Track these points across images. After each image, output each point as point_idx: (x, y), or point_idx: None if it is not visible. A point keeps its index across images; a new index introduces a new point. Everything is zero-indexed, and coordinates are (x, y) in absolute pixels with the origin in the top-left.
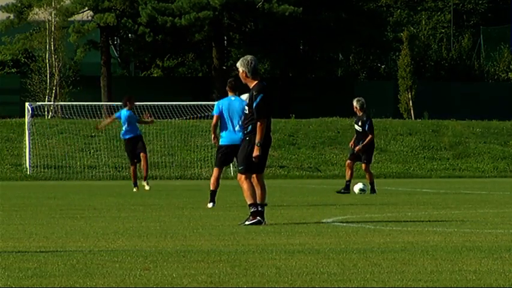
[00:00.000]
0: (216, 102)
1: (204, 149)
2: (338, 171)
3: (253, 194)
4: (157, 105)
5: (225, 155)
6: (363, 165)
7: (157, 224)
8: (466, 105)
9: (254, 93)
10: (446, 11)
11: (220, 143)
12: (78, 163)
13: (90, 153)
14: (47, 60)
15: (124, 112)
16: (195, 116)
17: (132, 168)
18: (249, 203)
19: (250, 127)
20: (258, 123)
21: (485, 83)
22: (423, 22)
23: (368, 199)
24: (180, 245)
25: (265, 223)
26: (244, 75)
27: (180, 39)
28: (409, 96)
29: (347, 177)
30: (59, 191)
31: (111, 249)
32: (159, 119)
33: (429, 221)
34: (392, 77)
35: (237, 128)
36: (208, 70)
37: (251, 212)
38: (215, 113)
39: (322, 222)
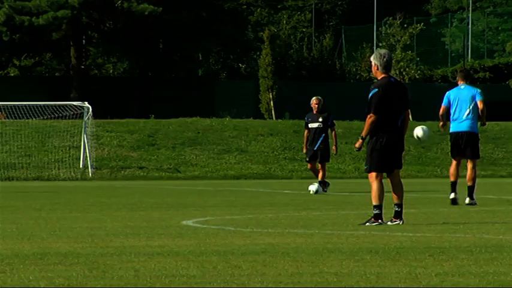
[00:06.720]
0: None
1: (61, 150)
2: (198, 172)
3: (380, 195)
4: (14, 105)
5: (454, 144)
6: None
7: (14, 226)
8: (328, 105)
9: (371, 87)
10: (307, 10)
11: (450, 131)
12: None
13: None
14: None
15: None
16: (53, 116)
17: None
18: (373, 203)
19: None
20: (367, 117)
21: (347, 83)
22: (284, 21)
23: (228, 201)
24: (37, 247)
25: (402, 222)
26: (376, 68)
27: (37, 38)
28: (270, 96)
29: None
30: None
31: None
32: (16, 119)
33: (290, 222)
34: (253, 76)
35: (465, 116)
36: (66, 69)
37: (374, 214)
38: (444, 104)
39: (182, 224)
